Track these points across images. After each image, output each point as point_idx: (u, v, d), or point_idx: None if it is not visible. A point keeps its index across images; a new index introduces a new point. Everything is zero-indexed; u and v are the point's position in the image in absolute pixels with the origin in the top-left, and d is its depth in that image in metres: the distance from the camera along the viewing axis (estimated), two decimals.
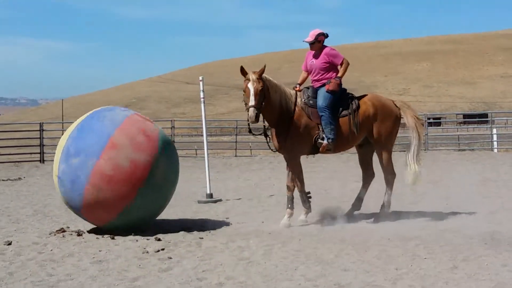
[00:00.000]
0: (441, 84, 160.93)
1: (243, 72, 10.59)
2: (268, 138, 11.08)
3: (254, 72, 10.49)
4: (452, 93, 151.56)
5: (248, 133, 11.15)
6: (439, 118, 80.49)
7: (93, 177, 9.65)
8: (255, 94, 10.34)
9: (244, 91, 10.50)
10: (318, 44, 11.00)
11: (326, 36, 11.03)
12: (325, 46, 11.05)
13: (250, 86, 10.38)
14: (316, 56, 11.03)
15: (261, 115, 10.48)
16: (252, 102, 10.31)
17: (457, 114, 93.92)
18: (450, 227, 10.34)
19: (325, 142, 10.73)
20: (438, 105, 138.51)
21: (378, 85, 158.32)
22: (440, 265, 7.91)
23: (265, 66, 10.65)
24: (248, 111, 10.31)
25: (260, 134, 11.12)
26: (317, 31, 10.96)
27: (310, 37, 10.92)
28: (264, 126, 10.94)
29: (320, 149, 10.89)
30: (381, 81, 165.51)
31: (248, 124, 10.62)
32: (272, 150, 11.11)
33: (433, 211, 11.75)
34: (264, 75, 10.53)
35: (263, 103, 10.43)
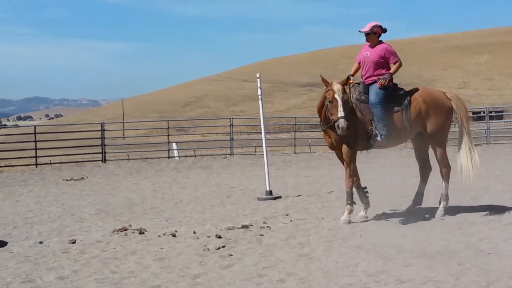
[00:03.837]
0: (502, 77, 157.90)
1: (325, 82, 10.50)
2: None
3: (338, 82, 10.46)
4: None
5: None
6: (501, 111, 78.88)
7: None
8: (343, 104, 10.29)
9: (330, 101, 10.34)
10: (373, 36, 10.93)
11: (383, 30, 10.95)
12: (382, 42, 10.99)
13: (338, 96, 10.32)
14: (371, 50, 10.95)
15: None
16: (341, 113, 10.22)
17: None
18: None
19: (378, 138, 10.65)
20: (500, 98, 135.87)
21: (437, 79, 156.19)
22: (504, 260, 7.78)
23: (348, 77, 10.61)
24: (337, 122, 10.20)
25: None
26: (374, 23, 10.90)
27: (366, 28, 10.86)
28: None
29: (374, 145, 10.83)
30: (440, 75, 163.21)
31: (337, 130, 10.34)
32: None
33: (496, 205, 11.56)
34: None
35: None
